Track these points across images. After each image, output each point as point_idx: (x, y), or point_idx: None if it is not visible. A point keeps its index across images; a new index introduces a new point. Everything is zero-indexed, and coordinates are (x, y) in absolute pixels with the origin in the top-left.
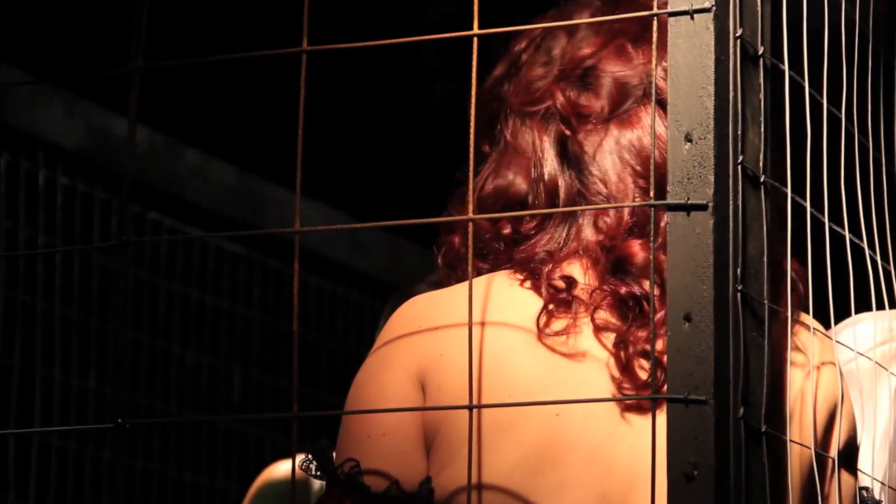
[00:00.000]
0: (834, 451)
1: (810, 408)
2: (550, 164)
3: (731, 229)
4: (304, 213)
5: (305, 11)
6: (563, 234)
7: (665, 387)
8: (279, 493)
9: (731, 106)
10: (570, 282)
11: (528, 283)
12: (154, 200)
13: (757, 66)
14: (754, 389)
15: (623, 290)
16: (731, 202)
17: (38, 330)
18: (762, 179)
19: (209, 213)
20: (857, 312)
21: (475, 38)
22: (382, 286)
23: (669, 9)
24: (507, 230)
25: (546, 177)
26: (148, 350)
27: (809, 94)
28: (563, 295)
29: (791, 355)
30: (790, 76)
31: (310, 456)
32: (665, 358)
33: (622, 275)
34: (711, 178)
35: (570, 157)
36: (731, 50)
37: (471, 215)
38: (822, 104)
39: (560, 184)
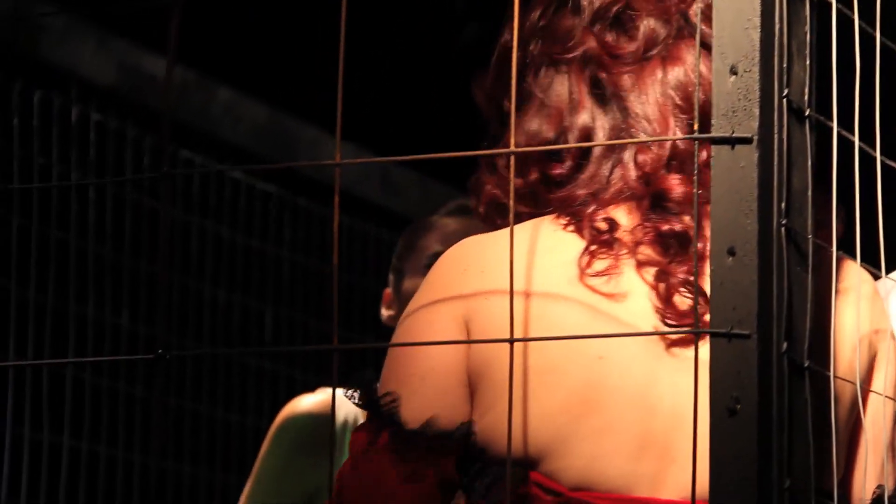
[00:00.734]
0: (879, 387)
1: (854, 343)
2: (588, 109)
3: (775, 163)
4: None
5: None
6: (606, 175)
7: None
8: (301, 426)
9: (776, 39)
10: (612, 223)
11: (571, 227)
12: (186, 138)
13: None
14: (798, 324)
15: (664, 227)
16: (775, 136)
17: (72, 267)
18: (807, 113)
19: (241, 151)
20: None
21: None
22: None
23: None
24: (533, 176)
25: (580, 122)
26: (180, 289)
27: (859, 26)
28: (605, 236)
29: (835, 290)
30: (837, 8)
31: (353, 386)
32: (708, 292)
33: (662, 211)
34: (756, 112)
35: (610, 99)
36: None
37: (512, 148)
38: (873, 36)
39: (597, 127)
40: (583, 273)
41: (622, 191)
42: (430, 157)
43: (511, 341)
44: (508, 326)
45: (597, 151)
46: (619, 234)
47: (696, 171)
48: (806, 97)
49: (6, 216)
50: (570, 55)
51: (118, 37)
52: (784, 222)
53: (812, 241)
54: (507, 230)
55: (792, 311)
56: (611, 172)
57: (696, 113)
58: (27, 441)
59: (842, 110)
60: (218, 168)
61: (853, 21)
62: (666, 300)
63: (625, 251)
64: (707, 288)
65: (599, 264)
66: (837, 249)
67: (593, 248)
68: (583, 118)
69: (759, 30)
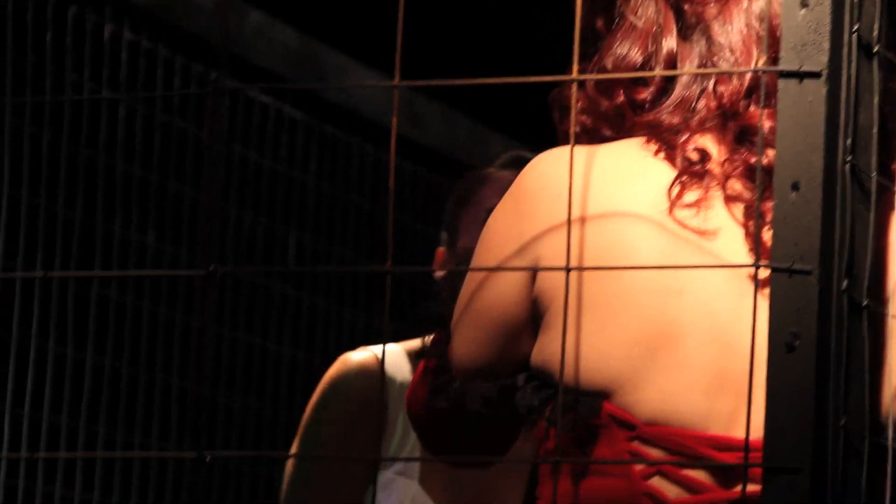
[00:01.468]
0: None
1: None
2: (672, 36)
3: (843, 99)
4: (363, 79)
5: None
6: (692, 102)
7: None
8: (352, 387)
9: None
10: (704, 154)
11: (661, 154)
12: (216, 60)
13: None
14: (858, 263)
15: (754, 160)
16: (844, 71)
17: (100, 186)
18: (876, 49)
19: (271, 75)
20: None
21: None
22: (435, 156)
23: None
24: (619, 98)
25: (665, 49)
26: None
27: None
28: (697, 167)
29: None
30: None
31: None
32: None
33: (750, 144)
34: (826, 46)
35: (695, 27)
36: None
37: (575, 75)
38: None
39: (681, 54)
40: (673, 204)
41: (707, 119)
42: (489, 82)
43: (567, 270)
44: (580, 254)
45: (683, 78)
46: (709, 166)
47: (761, 104)
48: (875, 33)
49: (38, 131)
50: None
51: None
52: (849, 159)
53: (875, 180)
54: (591, 147)
55: (853, 250)
56: (697, 100)
57: (764, 45)
58: (70, 359)
59: None
60: (261, 86)
61: None
62: (755, 237)
63: (715, 183)
64: None
65: (690, 196)
66: None
67: (685, 178)
68: (669, 43)
69: None
